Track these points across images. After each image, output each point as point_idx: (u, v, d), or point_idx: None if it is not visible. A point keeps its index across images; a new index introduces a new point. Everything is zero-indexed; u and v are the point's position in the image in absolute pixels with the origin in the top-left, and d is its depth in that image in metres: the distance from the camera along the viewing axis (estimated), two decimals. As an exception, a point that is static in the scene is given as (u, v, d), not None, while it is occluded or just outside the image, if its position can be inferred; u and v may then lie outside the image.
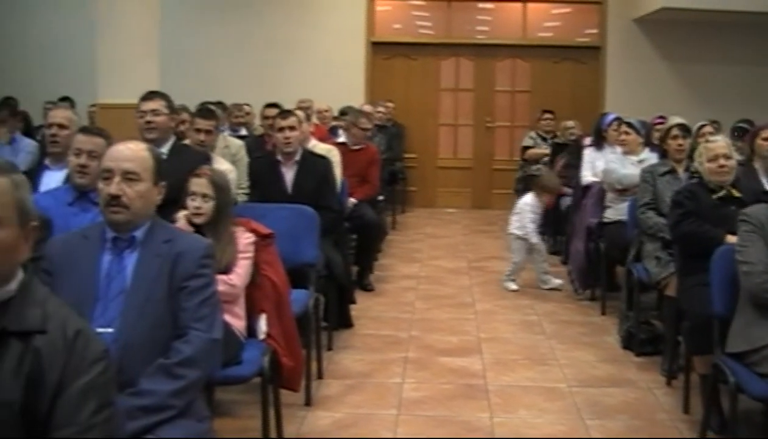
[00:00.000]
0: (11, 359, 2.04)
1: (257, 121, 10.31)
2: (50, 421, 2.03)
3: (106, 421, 2.08)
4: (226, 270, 3.89)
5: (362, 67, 13.02)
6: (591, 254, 7.21)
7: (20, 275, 2.17)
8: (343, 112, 9.74)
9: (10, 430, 2.00)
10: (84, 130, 4.56)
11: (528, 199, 7.90)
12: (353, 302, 6.65)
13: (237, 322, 3.92)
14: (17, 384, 2.02)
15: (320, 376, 5.36)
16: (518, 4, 13.07)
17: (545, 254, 8.12)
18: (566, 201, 8.72)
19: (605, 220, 6.97)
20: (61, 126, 5.00)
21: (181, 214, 4.07)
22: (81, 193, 4.26)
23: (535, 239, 7.78)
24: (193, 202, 4.01)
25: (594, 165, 7.91)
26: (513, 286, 7.75)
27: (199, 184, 4.03)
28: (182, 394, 2.90)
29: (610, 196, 6.99)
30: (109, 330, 2.89)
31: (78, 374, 2.06)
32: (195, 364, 2.94)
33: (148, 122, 5.18)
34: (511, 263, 7.88)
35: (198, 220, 4.00)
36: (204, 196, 4.01)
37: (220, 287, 3.45)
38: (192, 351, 2.94)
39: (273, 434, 4.17)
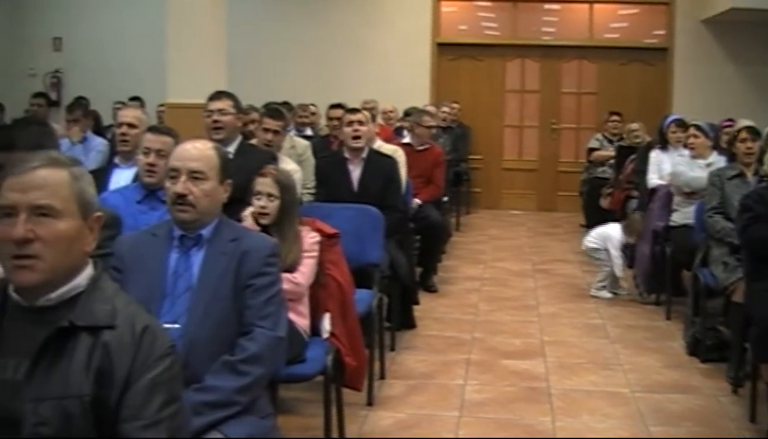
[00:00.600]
0: (81, 354, 2.08)
1: (323, 122, 10.36)
2: (118, 415, 2.07)
3: (172, 416, 2.11)
4: (291, 269, 3.91)
5: (428, 68, 12.99)
6: (657, 257, 7.11)
7: (90, 271, 2.22)
8: (408, 113, 9.75)
9: (81, 423, 2.03)
10: (152, 129, 4.62)
11: (616, 232, 7.60)
12: (417, 302, 6.65)
13: (301, 320, 3.94)
14: (87, 378, 2.06)
15: (383, 376, 5.37)
16: (585, 5, 12.94)
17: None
18: (632, 204, 8.61)
19: (672, 223, 6.88)
20: (130, 125, 5.07)
21: (248, 213, 4.11)
22: (149, 192, 4.32)
23: (620, 271, 7.56)
24: (258, 202, 4.04)
25: (660, 168, 7.80)
26: (606, 294, 7.58)
27: (264, 184, 4.06)
28: (247, 391, 2.93)
29: (677, 199, 6.89)
30: (176, 326, 2.93)
31: (145, 369, 2.09)
32: (260, 361, 2.97)
33: (215, 122, 5.23)
34: (602, 271, 7.67)
35: (263, 219, 4.03)
36: (269, 195, 4.04)
37: (285, 286, 3.46)
38: (257, 348, 2.97)
39: (335, 432, 4.17)
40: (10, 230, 2.08)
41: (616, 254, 7.45)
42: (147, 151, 4.34)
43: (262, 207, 4.02)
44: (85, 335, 2.10)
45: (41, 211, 2.10)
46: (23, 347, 2.09)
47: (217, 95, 5.40)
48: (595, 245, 7.58)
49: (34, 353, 2.07)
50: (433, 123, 8.78)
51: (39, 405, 2.04)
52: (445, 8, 13.11)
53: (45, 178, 2.13)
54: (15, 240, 2.07)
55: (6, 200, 2.11)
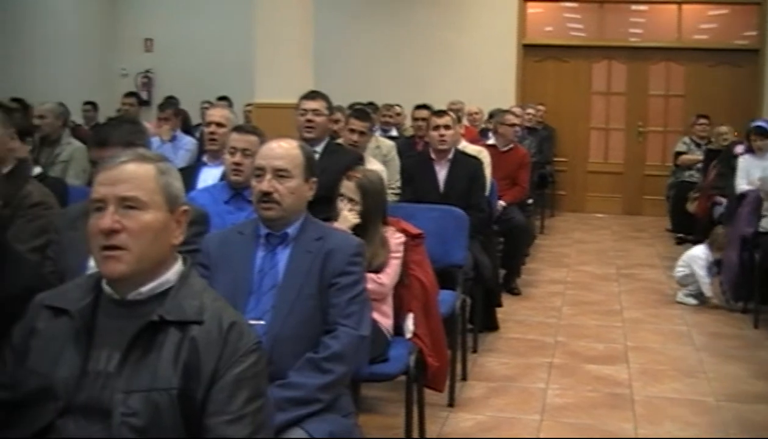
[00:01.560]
0: (170, 348, 2.13)
1: (407, 122, 10.38)
2: (204, 409, 2.10)
3: (257, 411, 2.14)
4: (378, 271, 3.93)
5: (513, 69, 12.92)
6: (745, 264, 6.97)
7: (179, 266, 2.27)
8: (492, 115, 9.71)
9: (168, 415, 2.07)
10: (238, 128, 4.67)
11: (699, 252, 7.46)
12: (500, 305, 6.63)
13: (384, 320, 3.96)
14: (175, 372, 2.10)
15: (464, 377, 5.36)
16: (673, 6, 12.70)
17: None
18: (719, 209, 8.46)
19: (761, 230, 6.75)
20: (219, 124, 5.15)
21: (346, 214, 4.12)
22: (236, 191, 4.38)
23: (708, 291, 7.36)
24: (340, 204, 4.07)
25: (749, 173, 7.64)
26: (692, 300, 7.42)
27: (347, 187, 4.07)
28: (329, 388, 2.95)
29: (766, 205, 6.75)
30: (261, 323, 2.97)
31: (231, 365, 2.12)
32: (343, 360, 2.99)
33: (309, 121, 5.27)
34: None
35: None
36: (350, 200, 4.06)
37: (369, 286, 3.49)
38: (340, 347, 2.99)
39: (415, 433, 4.18)
40: (100, 221, 2.14)
41: (702, 274, 7.30)
42: (233, 151, 4.40)
43: (342, 210, 4.03)
44: (174, 330, 2.14)
45: (128, 204, 2.16)
46: (115, 339, 2.15)
47: (312, 95, 5.44)
48: (683, 272, 7.46)
49: (124, 346, 2.12)
50: (515, 121, 8.73)
51: (129, 397, 2.08)
52: (531, 9, 13.03)
53: (132, 172, 2.19)
54: (103, 231, 2.13)
55: (96, 194, 2.18)
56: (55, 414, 2.10)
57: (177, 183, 2.29)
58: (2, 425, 2.19)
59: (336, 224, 3.92)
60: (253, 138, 4.40)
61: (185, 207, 2.30)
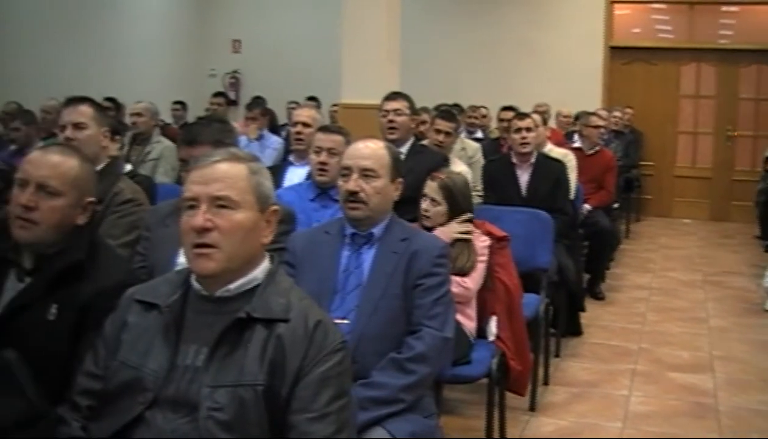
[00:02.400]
0: (256, 344, 2.15)
1: (493, 124, 10.34)
2: (288, 406, 2.12)
3: (341, 410, 2.15)
4: (462, 272, 3.93)
5: (600, 71, 12.76)
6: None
7: (267, 264, 2.30)
8: (578, 118, 9.63)
9: (254, 411, 2.10)
10: (323, 128, 4.69)
11: None
12: (583, 309, 6.56)
13: (468, 322, 3.95)
14: (261, 368, 2.13)
15: (546, 382, 5.33)
16: (765, 7, 12.37)
17: None
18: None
19: None
20: (305, 124, 5.20)
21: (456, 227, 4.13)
22: (322, 190, 4.41)
23: None
24: (423, 204, 4.07)
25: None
26: None
27: (430, 188, 4.08)
28: (412, 389, 2.96)
29: None
30: (345, 322, 2.98)
31: (317, 363, 2.14)
32: (426, 361, 2.99)
33: (391, 122, 5.28)
34: None
35: (424, 222, 4.06)
36: (432, 200, 4.06)
37: (454, 289, 3.49)
38: (424, 348, 2.99)
39: (496, 436, 4.17)
40: (192, 219, 2.19)
41: None
42: (318, 150, 4.43)
43: (425, 210, 4.04)
44: (261, 327, 2.17)
45: (220, 203, 2.20)
46: (203, 335, 2.19)
47: (393, 96, 5.46)
48: None
49: (212, 342, 2.16)
50: (600, 123, 8.64)
51: (215, 391, 2.11)
52: (619, 11, 12.85)
53: (224, 172, 2.23)
54: (195, 229, 2.17)
55: (189, 192, 2.23)
56: (144, 406, 2.14)
57: (267, 183, 2.32)
58: (94, 416, 2.25)
59: (438, 231, 3.92)
60: (338, 138, 4.43)
61: (275, 207, 2.33)
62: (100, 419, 2.23)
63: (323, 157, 4.39)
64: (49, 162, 2.64)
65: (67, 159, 2.67)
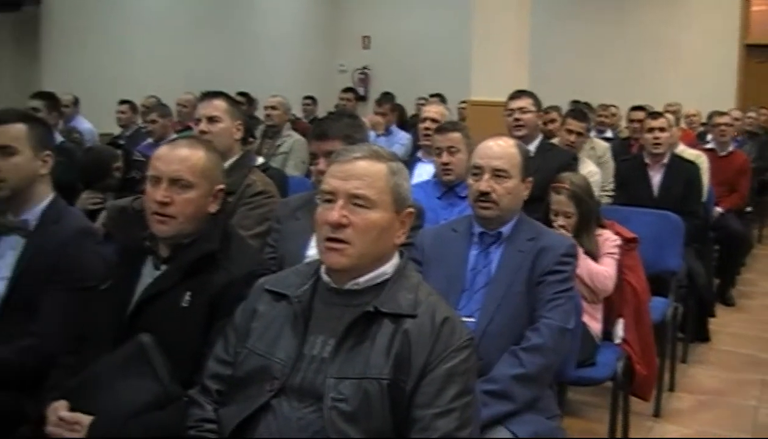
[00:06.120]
0: (383, 338, 2.18)
1: (623, 124, 10.17)
2: (413, 400, 2.13)
3: (465, 406, 2.15)
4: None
5: (734, 70, 12.42)
6: None
7: (396, 260, 2.32)
8: (710, 118, 9.38)
9: (378, 404, 2.12)
10: (439, 129, 4.70)
11: None
12: (712, 315, 6.41)
13: (594, 324, 3.91)
14: (387, 362, 2.15)
15: (672, 388, 5.21)
16: None
17: None
18: None
19: None
20: (434, 120, 5.21)
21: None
22: (448, 188, 4.42)
23: None
24: (557, 221, 4.00)
25: None
26: None
27: (558, 202, 4.01)
28: (526, 381, 2.90)
29: None
30: (471, 320, 2.98)
31: (443, 360, 2.15)
32: (541, 351, 2.94)
33: (516, 120, 5.27)
34: None
35: None
36: (566, 214, 4.00)
37: (591, 281, 3.48)
38: (540, 339, 2.95)
39: (619, 440, 4.12)
40: (328, 213, 2.22)
41: None
42: (438, 151, 4.45)
43: (561, 226, 3.96)
44: (388, 321, 2.19)
45: (357, 200, 2.22)
46: (330, 326, 2.22)
47: (518, 94, 5.44)
48: None
49: (340, 334, 2.19)
50: (730, 121, 8.37)
51: (340, 383, 2.15)
52: (755, 7, 12.46)
53: (364, 170, 2.26)
54: (330, 223, 2.21)
55: (327, 185, 2.26)
56: (272, 394, 2.19)
57: (406, 184, 2.34)
58: (223, 401, 2.31)
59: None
60: (455, 135, 4.43)
61: (411, 209, 2.34)
62: (228, 405, 2.29)
63: (444, 157, 4.41)
64: (178, 157, 2.71)
65: (195, 151, 2.74)
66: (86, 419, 2.43)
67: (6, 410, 2.83)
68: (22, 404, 2.84)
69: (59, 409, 2.49)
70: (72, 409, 2.48)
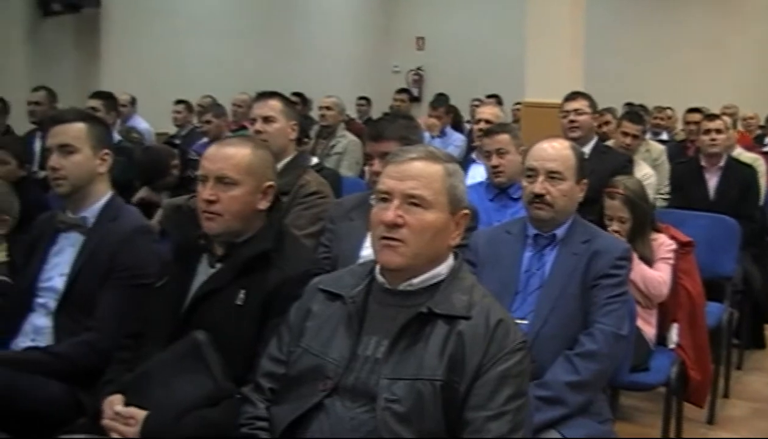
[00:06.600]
0: (437, 339, 2.18)
1: (679, 126, 10.06)
2: (466, 402, 2.14)
3: (517, 410, 2.15)
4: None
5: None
6: None
7: (451, 261, 2.32)
8: (768, 120, 9.27)
9: (431, 405, 2.13)
10: (488, 132, 4.67)
11: None
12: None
13: (648, 329, 3.88)
14: (441, 363, 2.15)
15: (726, 395, 5.15)
16: None
17: None
18: None
19: None
20: (488, 122, 5.20)
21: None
22: (500, 190, 4.41)
23: None
24: (611, 226, 3.97)
25: None
26: None
27: (612, 207, 3.98)
28: (580, 388, 2.90)
29: None
30: (525, 322, 2.97)
31: (496, 362, 2.15)
32: (596, 358, 2.93)
33: (572, 121, 5.25)
34: None
35: None
36: (620, 219, 3.97)
37: (644, 286, 3.44)
38: (594, 345, 2.94)
39: (672, 446, 4.08)
40: (384, 213, 2.23)
41: None
42: (488, 154, 4.44)
43: (615, 231, 3.92)
44: (442, 323, 2.19)
45: (412, 201, 2.23)
46: (384, 327, 2.23)
47: (573, 96, 5.42)
48: None
49: (393, 334, 2.20)
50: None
51: (394, 383, 2.15)
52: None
53: (421, 170, 2.26)
54: (385, 223, 2.21)
55: (383, 185, 2.27)
56: (325, 393, 2.20)
57: (462, 185, 2.34)
58: (276, 400, 2.33)
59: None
60: (503, 137, 4.41)
61: (466, 210, 2.34)
62: (281, 404, 2.30)
63: (494, 160, 4.39)
64: (223, 155, 2.73)
65: (240, 149, 2.75)
66: (140, 414, 2.47)
67: (64, 403, 2.89)
68: (79, 397, 2.90)
69: (115, 403, 2.53)
70: (127, 403, 2.52)
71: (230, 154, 2.73)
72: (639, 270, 3.80)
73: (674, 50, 12.61)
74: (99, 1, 10.62)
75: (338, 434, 2.16)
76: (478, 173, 4.99)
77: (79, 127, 3.18)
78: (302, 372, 2.28)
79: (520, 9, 8.09)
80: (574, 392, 2.88)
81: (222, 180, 2.69)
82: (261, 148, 2.86)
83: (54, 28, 10.35)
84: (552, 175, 3.16)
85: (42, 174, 5.67)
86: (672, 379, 3.80)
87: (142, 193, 4.94)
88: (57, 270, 3.13)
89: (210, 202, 2.67)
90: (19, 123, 7.43)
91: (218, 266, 2.73)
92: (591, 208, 3.82)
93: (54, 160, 3.14)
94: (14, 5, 9.97)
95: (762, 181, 6.47)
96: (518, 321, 2.75)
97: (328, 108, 7.64)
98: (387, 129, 3.48)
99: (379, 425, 2.12)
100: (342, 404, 2.19)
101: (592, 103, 5.40)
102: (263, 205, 2.77)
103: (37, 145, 6.46)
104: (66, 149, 3.14)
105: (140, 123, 8.89)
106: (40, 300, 3.12)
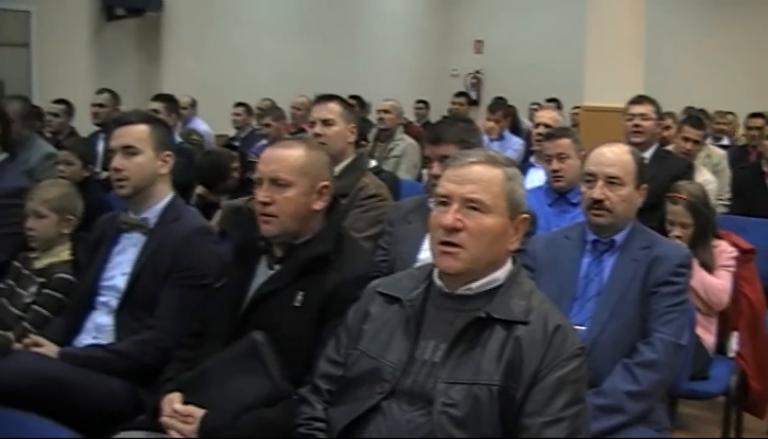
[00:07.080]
0: (494, 344, 2.17)
1: (740, 131, 9.92)
2: (522, 408, 2.13)
3: (575, 416, 2.14)
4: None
5: None
6: None
7: (509, 266, 2.31)
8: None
9: (487, 410, 2.12)
10: (548, 136, 4.66)
11: None
12: (832, 331, 6.19)
13: (708, 337, 3.84)
14: (498, 368, 2.14)
15: (788, 406, 5.05)
16: None
17: None
18: None
19: None
20: (547, 126, 5.17)
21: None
22: (559, 195, 4.39)
23: None
24: (673, 231, 3.93)
25: None
26: None
27: (674, 213, 3.95)
28: (639, 397, 2.88)
29: None
30: (583, 328, 2.95)
31: (554, 368, 2.13)
32: (655, 367, 2.91)
33: (636, 126, 5.19)
34: None
35: None
36: (682, 225, 3.93)
37: (704, 294, 3.41)
38: (654, 355, 2.92)
39: (730, 457, 4.01)
40: (443, 216, 2.23)
41: None
42: (548, 158, 4.41)
43: (677, 237, 3.89)
44: (500, 328, 2.19)
45: (472, 205, 2.22)
46: (442, 331, 2.23)
47: (639, 99, 5.36)
48: None
49: (451, 338, 2.20)
50: None
51: (451, 387, 2.15)
52: None
53: (480, 174, 2.25)
54: (444, 227, 2.21)
55: (443, 189, 2.27)
56: (382, 396, 2.21)
57: (521, 190, 2.33)
58: (333, 401, 2.34)
59: None
60: (564, 141, 4.39)
61: (526, 215, 2.33)
62: (338, 405, 2.31)
63: (555, 164, 4.37)
64: (276, 157, 2.74)
65: (293, 150, 2.76)
66: (199, 412, 2.49)
67: (124, 399, 2.94)
68: (139, 394, 2.95)
69: (173, 401, 2.56)
70: (185, 402, 2.55)
71: (283, 156, 2.74)
72: (700, 277, 3.76)
73: (736, 54, 12.44)
74: (161, 6, 10.77)
75: (395, 436, 2.16)
76: (536, 177, 4.97)
77: (142, 128, 3.23)
78: (360, 374, 2.29)
79: (580, 12, 8.06)
80: (633, 402, 2.87)
81: (276, 182, 2.70)
82: (315, 149, 2.86)
83: (117, 31, 10.53)
84: (611, 181, 3.13)
85: (104, 175, 5.76)
86: (732, 388, 3.76)
87: (199, 190, 5.00)
88: (119, 269, 3.18)
89: (265, 204, 2.69)
90: (83, 125, 7.56)
91: (277, 267, 2.74)
92: (651, 214, 3.78)
93: (117, 161, 3.19)
94: (79, 10, 10.16)
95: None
96: (576, 327, 2.74)
97: (386, 111, 7.65)
98: (446, 132, 3.48)
99: (435, 429, 2.12)
100: (399, 407, 2.19)
101: (658, 109, 5.35)
102: (319, 205, 2.77)
103: (101, 147, 6.57)
104: (129, 151, 3.19)
105: (200, 125, 9.00)
106: (102, 298, 3.17)
